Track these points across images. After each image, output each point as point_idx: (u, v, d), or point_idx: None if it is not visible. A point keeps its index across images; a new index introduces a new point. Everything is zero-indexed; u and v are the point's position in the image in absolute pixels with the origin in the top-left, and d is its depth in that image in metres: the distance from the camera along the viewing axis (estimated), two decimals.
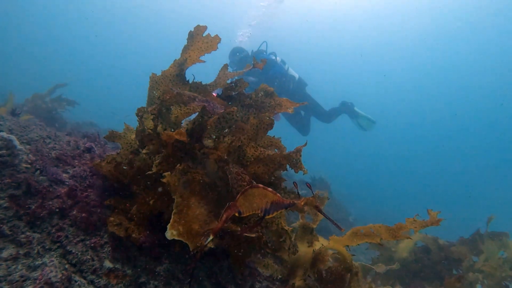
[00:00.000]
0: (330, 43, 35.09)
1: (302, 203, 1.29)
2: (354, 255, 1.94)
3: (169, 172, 1.39)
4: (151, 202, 1.51)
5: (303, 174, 1.63)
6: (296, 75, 6.30)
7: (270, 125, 1.61)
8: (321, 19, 29.28)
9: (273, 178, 1.61)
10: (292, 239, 2.14)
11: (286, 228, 2.09)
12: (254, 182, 1.52)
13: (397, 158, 39.39)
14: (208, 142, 1.56)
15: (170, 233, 1.30)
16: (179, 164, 1.42)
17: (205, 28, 1.72)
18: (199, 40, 1.71)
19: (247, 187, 1.20)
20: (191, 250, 1.30)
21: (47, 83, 5.55)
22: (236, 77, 1.79)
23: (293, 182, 1.36)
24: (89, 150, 2.23)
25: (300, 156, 1.58)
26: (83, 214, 1.62)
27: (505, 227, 3.92)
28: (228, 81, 1.82)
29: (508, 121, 35.01)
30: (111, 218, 1.50)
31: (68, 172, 1.90)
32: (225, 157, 1.49)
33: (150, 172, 1.46)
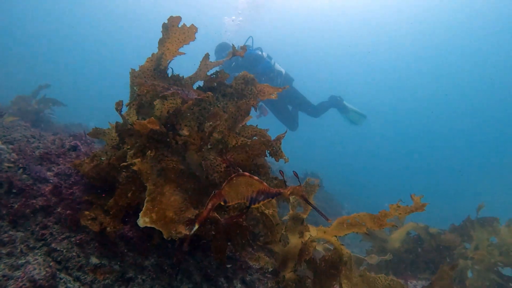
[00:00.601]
0: (320, 36, 35.04)
1: (288, 192, 1.27)
2: (343, 244, 1.93)
3: (139, 159, 1.37)
4: (129, 194, 1.48)
5: (285, 162, 1.62)
6: (283, 70, 6.24)
7: (247, 111, 1.59)
8: (310, 11, 29.18)
9: (254, 165, 1.59)
10: (283, 231, 2.14)
11: (278, 220, 2.09)
12: (233, 170, 1.50)
13: (391, 153, 39.67)
14: (183, 131, 1.54)
15: (142, 221, 1.28)
16: (149, 151, 1.40)
17: (179, 18, 1.69)
18: (175, 32, 1.68)
19: (233, 175, 1.18)
20: (165, 237, 1.28)
21: (34, 85, 5.44)
22: (216, 68, 1.78)
23: (279, 171, 1.35)
24: (74, 148, 2.20)
25: (280, 144, 1.57)
26: (68, 211, 1.60)
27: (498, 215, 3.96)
28: (210, 73, 1.79)
29: (500, 117, 35.50)
30: (86, 213, 1.47)
31: (52, 170, 1.87)
32: (200, 144, 1.47)
33: (124, 164, 1.44)
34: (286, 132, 1.65)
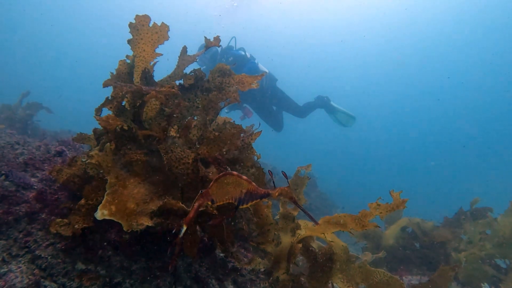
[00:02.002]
0: (306, 34, 34.99)
1: (277, 194, 1.23)
2: (332, 241, 1.92)
3: (96, 151, 1.34)
4: (99, 191, 1.45)
5: (257, 159, 1.60)
6: (267, 70, 6.09)
7: (216, 103, 1.58)
8: (297, 8, 29.15)
9: (226, 159, 1.58)
10: (275, 231, 2.12)
11: (271, 220, 2.07)
12: (201, 165, 1.48)
13: (386, 152, 39.93)
14: (148, 125, 1.53)
15: (100, 213, 1.24)
16: (109, 143, 1.38)
17: (148, 18, 1.65)
18: (147, 32, 1.64)
19: (221, 174, 1.15)
20: (124, 229, 1.24)
21: (18, 91, 5.36)
22: (195, 66, 1.76)
23: (268, 171, 1.33)
24: (60, 153, 2.16)
25: (252, 140, 1.55)
26: (53, 217, 1.56)
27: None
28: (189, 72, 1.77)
29: (494, 115, 35.96)
30: (57, 220, 1.43)
31: (37, 176, 1.83)
32: (163, 137, 1.45)
33: (90, 161, 1.41)
34: (261, 132, 1.65)
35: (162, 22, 1.69)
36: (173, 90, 1.55)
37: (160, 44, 1.68)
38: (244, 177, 1.15)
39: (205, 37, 1.82)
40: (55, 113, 5.44)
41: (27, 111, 4.80)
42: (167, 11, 29.00)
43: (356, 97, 42.03)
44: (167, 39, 1.68)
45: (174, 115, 1.54)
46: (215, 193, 1.17)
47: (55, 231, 1.37)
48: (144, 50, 1.67)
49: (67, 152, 2.20)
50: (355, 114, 6.68)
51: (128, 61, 1.78)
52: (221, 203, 1.19)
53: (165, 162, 1.47)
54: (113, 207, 1.30)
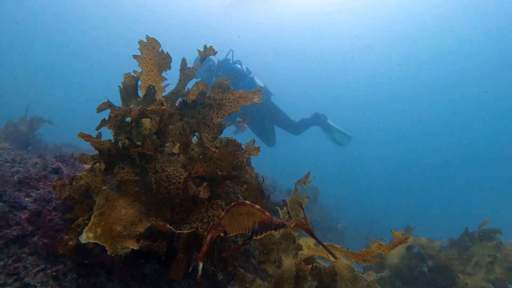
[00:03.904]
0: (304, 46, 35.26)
1: (292, 225, 1.19)
2: (335, 261, 1.87)
3: (84, 172, 1.30)
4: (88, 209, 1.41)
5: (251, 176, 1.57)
6: (262, 85, 5.98)
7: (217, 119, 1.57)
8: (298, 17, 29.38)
9: (222, 176, 1.55)
10: (277, 253, 2.05)
11: (276, 239, 2.01)
12: (191, 184, 1.43)
13: (386, 166, 39.65)
14: (142, 143, 1.50)
15: (85, 236, 1.19)
16: (98, 164, 1.34)
17: (158, 43, 1.72)
18: (155, 55, 1.67)
19: (233, 204, 1.11)
20: (108, 253, 1.19)
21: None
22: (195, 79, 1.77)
23: (283, 200, 1.26)
24: (56, 171, 2.11)
25: (245, 158, 1.52)
26: (45, 240, 1.50)
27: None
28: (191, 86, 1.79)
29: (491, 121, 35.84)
30: (66, 237, 1.38)
31: (31, 196, 1.78)
32: (155, 155, 1.41)
33: (80, 174, 1.37)
34: (259, 148, 1.62)
35: (167, 53, 1.75)
36: (163, 107, 1.53)
37: (164, 71, 1.70)
38: (257, 206, 1.11)
39: (198, 50, 1.84)
40: (59, 124, 5.44)
41: (29, 126, 4.81)
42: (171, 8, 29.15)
43: (355, 105, 42.21)
44: (169, 69, 1.75)
45: (166, 133, 1.51)
46: (227, 224, 1.13)
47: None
48: (152, 71, 1.72)
49: (64, 169, 2.15)
50: (351, 133, 6.47)
51: (134, 75, 1.81)
52: (234, 234, 1.15)
53: (153, 182, 1.44)
54: (98, 230, 1.25)
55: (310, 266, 1.95)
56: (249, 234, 1.13)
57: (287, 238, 2.08)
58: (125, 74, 1.78)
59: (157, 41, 1.74)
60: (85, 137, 1.50)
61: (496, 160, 34.31)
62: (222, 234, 1.13)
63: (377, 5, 26.16)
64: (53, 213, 1.68)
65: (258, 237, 1.13)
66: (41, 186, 1.89)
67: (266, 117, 6.24)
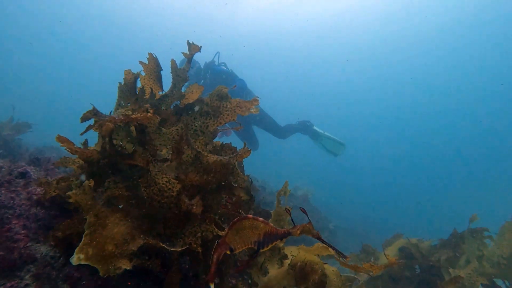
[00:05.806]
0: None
1: (298, 232, 1.16)
2: (326, 263, 1.85)
3: (74, 191, 1.19)
4: (79, 226, 1.30)
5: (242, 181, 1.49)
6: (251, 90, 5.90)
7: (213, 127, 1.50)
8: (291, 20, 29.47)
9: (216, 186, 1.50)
10: (263, 262, 2.00)
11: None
12: (184, 197, 1.35)
13: (378, 164, 39.89)
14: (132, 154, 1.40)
15: (76, 258, 1.14)
16: (87, 181, 1.23)
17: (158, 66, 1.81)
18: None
19: (236, 219, 1.09)
20: (100, 274, 1.14)
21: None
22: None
23: (300, 208, 1.24)
24: (23, 175, 1.96)
25: (236, 161, 1.44)
26: (1, 253, 1.36)
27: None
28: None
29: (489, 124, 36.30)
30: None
31: None
32: (146, 167, 1.31)
33: (69, 193, 1.25)
34: (250, 152, 1.54)
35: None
36: (148, 114, 1.43)
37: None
38: (260, 218, 1.10)
39: (183, 52, 1.85)
40: (46, 125, 5.27)
41: (13, 131, 4.66)
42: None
43: (345, 104, 42.50)
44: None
45: (153, 141, 1.43)
46: (232, 240, 1.11)
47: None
48: (154, 81, 1.78)
49: (32, 173, 2.01)
50: (344, 140, 6.25)
51: (134, 72, 1.84)
52: (241, 249, 1.12)
53: (145, 196, 1.38)
54: (90, 250, 1.20)
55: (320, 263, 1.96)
56: (255, 247, 1.12)
57: (273, 248, 2.04)
58: (126, 70, 1.80)
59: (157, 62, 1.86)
60: (65, 142, 1.38)
61: (486, 161, 34.94)
62: (228, 252, 1.10)
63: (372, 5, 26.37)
64: (13, 222, 1.54)
65: (265, 249, 1.11)
66: (3, 192, 1.75)
67: (253, 121, 6.15)
